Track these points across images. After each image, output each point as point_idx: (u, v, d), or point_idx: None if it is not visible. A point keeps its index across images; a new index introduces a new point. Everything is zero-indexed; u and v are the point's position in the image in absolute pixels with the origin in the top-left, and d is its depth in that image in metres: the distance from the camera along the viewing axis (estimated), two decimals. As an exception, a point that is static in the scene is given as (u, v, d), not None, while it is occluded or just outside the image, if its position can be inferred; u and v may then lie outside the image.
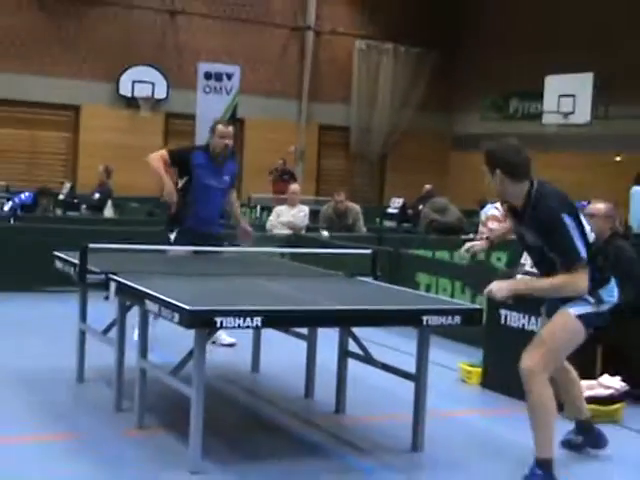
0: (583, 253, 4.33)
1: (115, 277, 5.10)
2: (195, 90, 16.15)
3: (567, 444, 5.07)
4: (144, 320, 5.05)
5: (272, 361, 6.78)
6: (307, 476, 4.57)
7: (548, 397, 4.40)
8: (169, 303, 4.30)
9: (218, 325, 4.14)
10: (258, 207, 16.74)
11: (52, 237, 8.94)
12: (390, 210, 17.15)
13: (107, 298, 5.66)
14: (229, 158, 7.29)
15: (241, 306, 4.29)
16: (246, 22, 21.40)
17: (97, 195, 15.12)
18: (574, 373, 4.97)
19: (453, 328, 4.99)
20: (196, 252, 6.71)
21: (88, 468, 4.48)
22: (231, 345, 7.23)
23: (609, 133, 18.30)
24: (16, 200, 13.90)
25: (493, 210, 9.63)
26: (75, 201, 15.69)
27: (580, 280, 4.34)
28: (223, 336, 7.12)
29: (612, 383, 5.78)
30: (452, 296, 8.19)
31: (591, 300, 4.48)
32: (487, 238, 5.40)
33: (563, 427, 5.38)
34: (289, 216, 11.79)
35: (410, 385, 5.01)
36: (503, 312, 6.26)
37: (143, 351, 5.07)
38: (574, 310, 4.47)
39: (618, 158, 18.73)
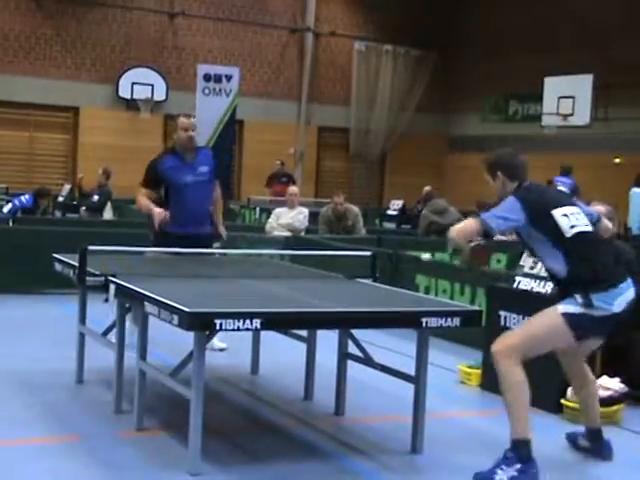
0: (491, 219, 4.50)
1: (114, 279, 5.10)
2: (194, 92, 16.13)
3: (572, 441, 5.15)
4: (144, 322, 5.05)
5: (271, 363, 6.78)
6: (306, 478, 4.57)
7: (516, 379, 4.45)
8: (168, 305, 4.30)
9: (218, 327, 4.14)
10: (257, 209, 16.73)
11: (51, 239, 8.94)
12: (390, 212, 17.15)
13: (107, 300, 5.67)
14: (201, 150, 6.93)
15: (241, 308, 4.29)
16: (245, 24, 21.41)
17: (96, 197, 15.11)
18: (594, 386, 5.05)
19: (452, 330, 4.99)
20: (181, 254, 6.35)
21: (87, 470, 4.47)
22: (222, 350, 7.10)
23: (609, 135, 18.30)
24: (16, 203, 13.88)
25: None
26: (74, 203, 15.68)
27: (465, 225, 4.62)
28: (214, 341, 6.80)
29: (611, 384, 5.78)
30: (451, 298, 8.19)
31: (579, 300, 4.51)
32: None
33: (563, 428, 5.39)
34: (288, 218, 11.79)
35: (410, 387, 5.01)
36: (503, 314, 6.27)
37: (142, 353, 5.08)
38: (561, 307, 4.56)
39: (617, 160, 18.74)
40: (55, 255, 6.06)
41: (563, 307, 4.55)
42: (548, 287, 5.84)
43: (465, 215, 13.63)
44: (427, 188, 17.02)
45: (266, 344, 6.60)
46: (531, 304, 5.41)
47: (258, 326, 4.22)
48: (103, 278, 5.20)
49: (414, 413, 4.96)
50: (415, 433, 4.95)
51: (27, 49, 19.44)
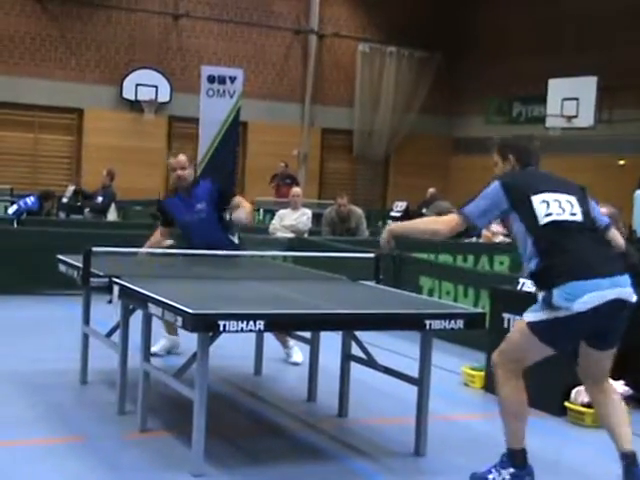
0: (470, 209, 4.34)
1: (118, 280, 5.11)
2: (198, 93, 16.14)
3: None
4: (147, 323, 5.06)
5: (275, 364, 6.78)
6: (309, 479, 4.57)
7: (508, 390, 4.33)
8: (172, 306, 4.31)
9: (221, 329, 4.15)
10: (261, 210, 16.76)
11: (56, 240, 8.95)
12: (393, 213, 17.14)
13: (110, 301, 5.68)
14: (197, 184, 6.81)
15: (244, 310, 4.30)
16: (249, 25, 21.42)
17: (100, 198, 15.12)
18: (614, 398, 4.52)
19: (456, 332, 4.99)
20: (181, 254, 6.43)
21: (91, 471, 4.48)
22: (295, 364, 7.03)
23: (613, 137, 18.29)
24: (22, 204, 13.89)
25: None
26: (78, 204, 15.70)
27: (442, 223, 4.48)
28: (294, 356, 6.99)
29: (616, 387, 5.76)
30: (455, 300, 8.19)
31: (540, 301, 4.18)
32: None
33: (566, 431, 5.38)
34: (292, 219, 11.79)
35: (413, 389, 5.00)
36: (506, 316, 6.26)
37: (146, 354, 5.08)
38: (526, 314, 4.28)
39: (622, 162, 18.71)
40: (59, 256, 6.07)
41: (526, 314, 4.29)
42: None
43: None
44: (431, 190, 17.03)
45: (269, 345, 6.60)
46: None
47: (261, 327, 4.23)
48: (107, 279, 5.21)
49: (417, 415, 4.95)
50: (418, 435, 4.95)
51: (32, 51, 19.48)
